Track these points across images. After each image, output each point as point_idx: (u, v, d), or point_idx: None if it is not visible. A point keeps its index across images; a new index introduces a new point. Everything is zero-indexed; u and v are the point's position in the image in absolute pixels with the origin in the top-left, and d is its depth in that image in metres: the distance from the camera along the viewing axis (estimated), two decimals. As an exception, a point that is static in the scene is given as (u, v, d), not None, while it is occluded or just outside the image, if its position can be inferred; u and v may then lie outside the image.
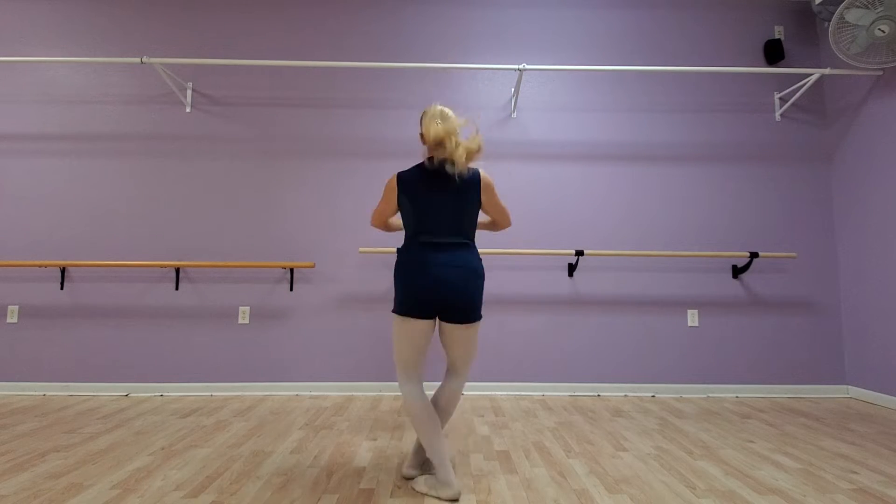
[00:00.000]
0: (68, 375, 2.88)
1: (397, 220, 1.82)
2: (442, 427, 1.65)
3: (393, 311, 1.61)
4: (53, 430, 2.17)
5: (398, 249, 1.66)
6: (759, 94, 3.15)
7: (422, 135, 1.62)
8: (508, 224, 1.77)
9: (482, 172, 1.62)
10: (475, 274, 1.56)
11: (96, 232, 2.98)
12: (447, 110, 1.60)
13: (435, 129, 1.51)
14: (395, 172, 1.78)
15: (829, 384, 2.95)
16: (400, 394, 2.88)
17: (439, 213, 1.57)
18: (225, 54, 3.13)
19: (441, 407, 1.65)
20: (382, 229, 1.79)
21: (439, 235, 1.57)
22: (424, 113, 1.61)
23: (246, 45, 3.14)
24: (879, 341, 2.73)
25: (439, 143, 1.52)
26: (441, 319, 1.58)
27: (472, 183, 1.59)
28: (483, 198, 1.63)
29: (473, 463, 1.82)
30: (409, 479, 1.66)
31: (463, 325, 1.56)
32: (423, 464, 1.72)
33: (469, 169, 1.59)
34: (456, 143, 1.52)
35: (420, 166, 1.61)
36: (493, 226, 1.80)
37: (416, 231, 1.59)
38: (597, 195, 3.07)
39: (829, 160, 3.11)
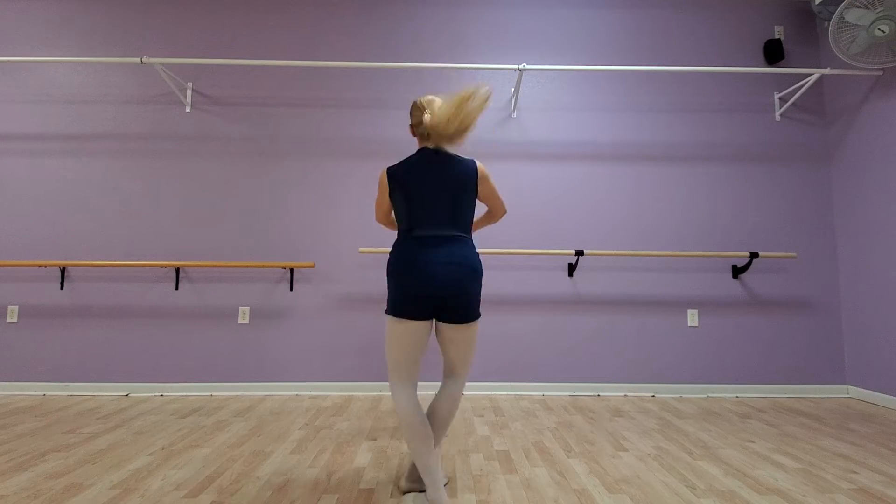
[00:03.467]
0: (68, 375, 2.88)
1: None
2: (440, 438, 1.56)
3: (386, 312, 1.52)
4: (53, 430, 2.17)
5: (393, 245, 1.57)
6: (759, 94, 3.15)
7: (412, 126, 1.57)
8: (504, 211, 1.70)
9: (479, 164, 1.56)
10: (472, 271, 1.48)
11: (96, 232, 2.98)
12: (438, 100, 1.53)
13: (445, 112, 1.42)
14: (385, 167, 1.72)
15: (829, 384, 2.95)
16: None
17: (433, 204, 1.49)
18: (225, 54, 3.13)
19: (441, 416, 1.54)
20: (387, 226, 1.73)
21: (434, 228, 1.49)
22: (419, 106, 1.54)
23: (246, 45, 3.14)
24: (879, 341, 2.73)
25: (449, 123, 1.43)
26: (437, 320, 1.50)
27: (469, 174, 1.53)
28: (480, 189, 1.57)
29: (473, 463, 1.82)
30: (406, 492, 1.57)
31: (460, 326, 1.48)
32: (419, 479, 1.61)
33: (464, 159, 1.55)
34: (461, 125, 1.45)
35: (411, 158, 1.54)
36: (490, 217, 1.73)
37: (410, 225, 1.51)
38: (597, 195, 3.07)
39: (829, 160, 3.11)
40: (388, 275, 1.52)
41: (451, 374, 1.58)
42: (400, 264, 1.48)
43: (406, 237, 1.51)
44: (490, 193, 1.61)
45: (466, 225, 1.55)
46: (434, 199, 1.50)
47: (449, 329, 1.50)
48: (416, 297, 1.43)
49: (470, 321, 1.50)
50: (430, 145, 1.54)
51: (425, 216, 1.50)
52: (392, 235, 3.00)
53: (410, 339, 1.48)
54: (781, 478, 1.70)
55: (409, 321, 1.46)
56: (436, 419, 1.54)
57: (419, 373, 1.54)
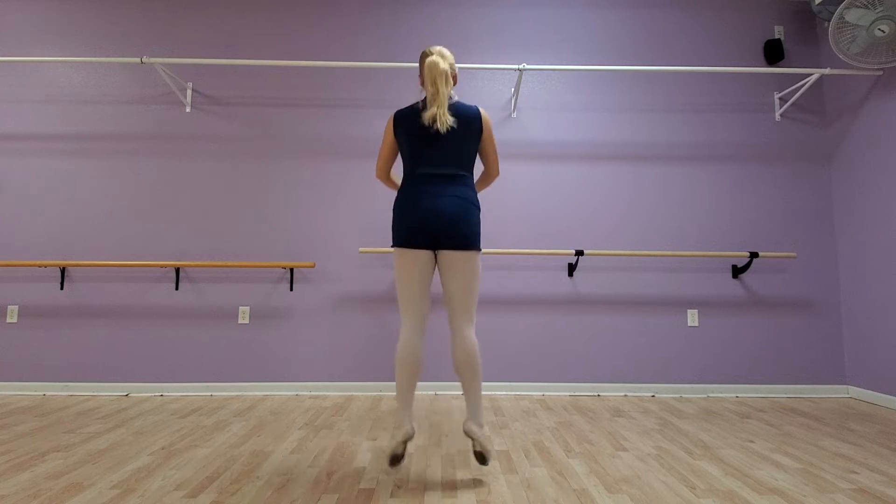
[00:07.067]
0: (68, 375, 2.88)
1: (398, 178, 1.87)
2: (475, 390, 1.59)
3: (391, 247, 1.66)
4: (53, 430, 2.17)
5: (399, 186, 1.71)
6: (759, 94, 3.15)
7: (420, 76, 1.71)
8: (497, 171, 1.80)
9: (483, 112, 1.68)
10: (468, 202, 1.61)
11: (96, 232, 2.98)
12: (445, 52, 1.68)
13: (432, 71, 1.59)
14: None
15: (829, 384, 2.95)
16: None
17: (435, 145, 1.62)
18: (225, 54, 3.13)
19: (465, 366, 1.58)
20: (385, 182, 1.83)
21: (435, 167, 1.62)
22: (427, 54, 1.66)
23: (246, 45, 3.14)
24: (879, 341, 2.73)
25: (433, 84, 1.60)
26: (439, 249, 1.60)
27: (472, 118, 1.65)
28: (484, 135, 1.69)
29: (473, 463, 1.82)
30: (393, 456, 1.59)
31: (459, 253, 1.58)
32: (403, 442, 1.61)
33: (469, 105, 1.67)
34: (441, 102, 1.59)
35: (417, 104, 1.68)
36: (486, 177, 1.83)
37: (413, 164, 1.65)
38: (597, 195, 3.07)
39: (829, 160, 3.11)
40: (393, 210, 1.67)
41: (455, 321, 1.63)
42: (401, 200, 1.63)
43: (410, 177, 1.65)
44: (490, 146, 1.73)
45: (466, 165, 1.67)
46: (434, 141, 1.63)
47: (448, 256, 1.60)
48: (415, 226, 1.57)
49: (468, 248, 1.60)
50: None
51: (426, 156, 1.63)
52: (389, 235, 3.00)
53: (412, 270, 1.60)
54: (781, 478, 1.70)
55: (409, 250, 1.59)
56: (461, 373, 1.60)
57: (426, 313, 1.65)
